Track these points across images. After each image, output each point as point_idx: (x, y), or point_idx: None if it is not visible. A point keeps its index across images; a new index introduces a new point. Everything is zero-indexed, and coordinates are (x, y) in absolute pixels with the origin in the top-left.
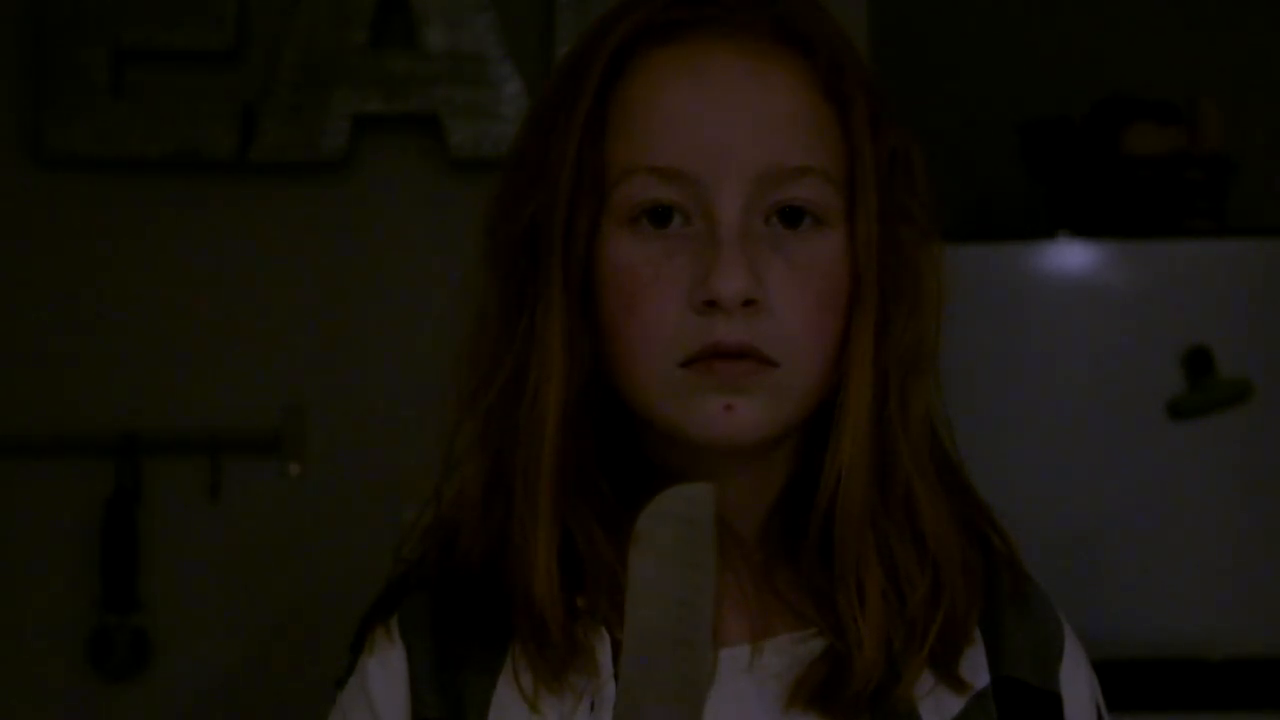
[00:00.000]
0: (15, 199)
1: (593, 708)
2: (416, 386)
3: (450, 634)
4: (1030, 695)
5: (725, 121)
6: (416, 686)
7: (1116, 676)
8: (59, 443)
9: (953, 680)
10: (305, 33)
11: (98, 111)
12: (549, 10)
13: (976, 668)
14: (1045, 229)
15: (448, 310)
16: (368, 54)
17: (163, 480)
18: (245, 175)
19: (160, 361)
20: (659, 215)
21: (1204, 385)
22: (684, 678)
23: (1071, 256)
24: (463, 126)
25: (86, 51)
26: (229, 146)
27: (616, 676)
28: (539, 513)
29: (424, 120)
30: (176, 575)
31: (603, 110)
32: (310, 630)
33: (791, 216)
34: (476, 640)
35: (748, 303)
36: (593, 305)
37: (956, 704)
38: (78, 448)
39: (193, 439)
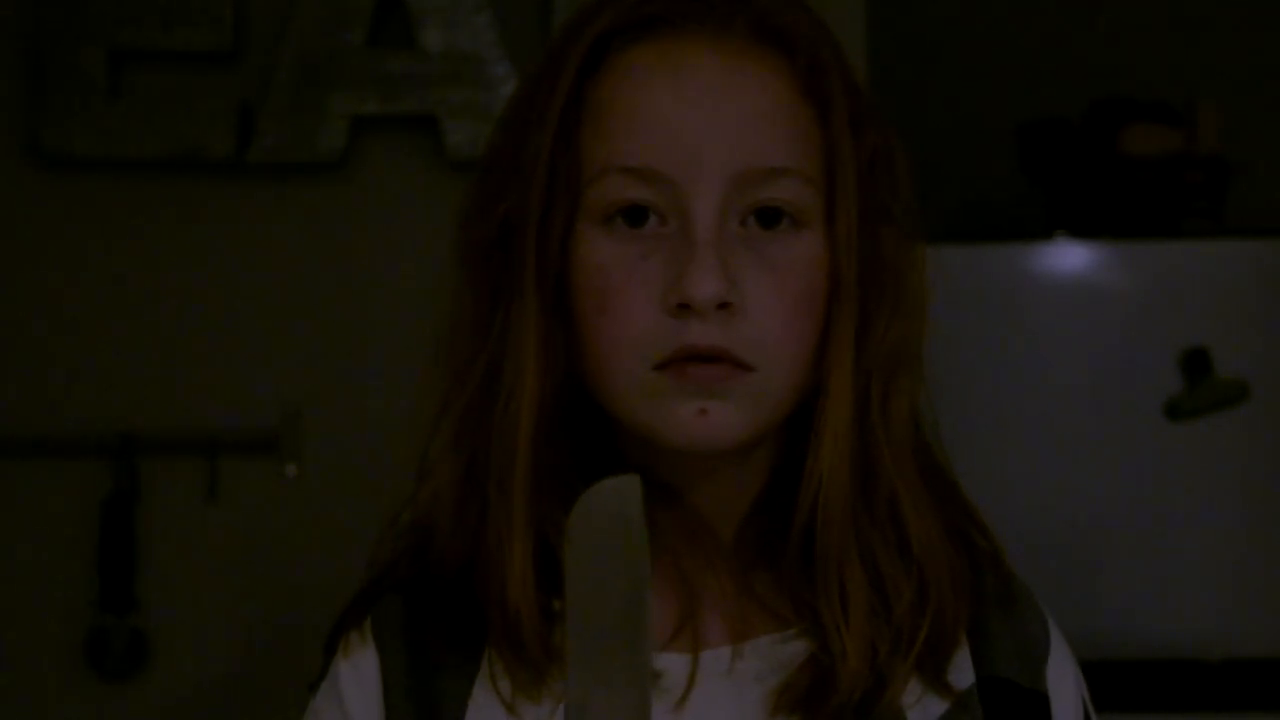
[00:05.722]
0: (13, 199)
1: None
2: (413, 387)
3: (424, 637)
4: (1017, 695)
5: (701, 121)
6: (389, 690)
7: (1115, 677)
8: (56, 443)
9: (940, 686)
10: (303, 33)
11: (95, 112)
12: (546, 11)
13: (961, 668)
14: (1043, 230)
15: (445, 311)
16: (365, 55)
17: (160, 481)
18: (243, 176)
19: (158, 362)
20: (634, 215)
21: (1202, 386)
22: (629, 671)
23: (1069, 257)
24: (460, 127)
25: (84, 52)
26: (226, 147)
27: None
28: (514, 515)
29: (422, 121)
30: (174, 576)
31: (577, 107)
32: (307, 630)
33: (768, 217)
34: (451, 644)
35: (722, 306)
36: (567, 306)
37: (941, 706)
38: (75, 448)
39: (190, 440)
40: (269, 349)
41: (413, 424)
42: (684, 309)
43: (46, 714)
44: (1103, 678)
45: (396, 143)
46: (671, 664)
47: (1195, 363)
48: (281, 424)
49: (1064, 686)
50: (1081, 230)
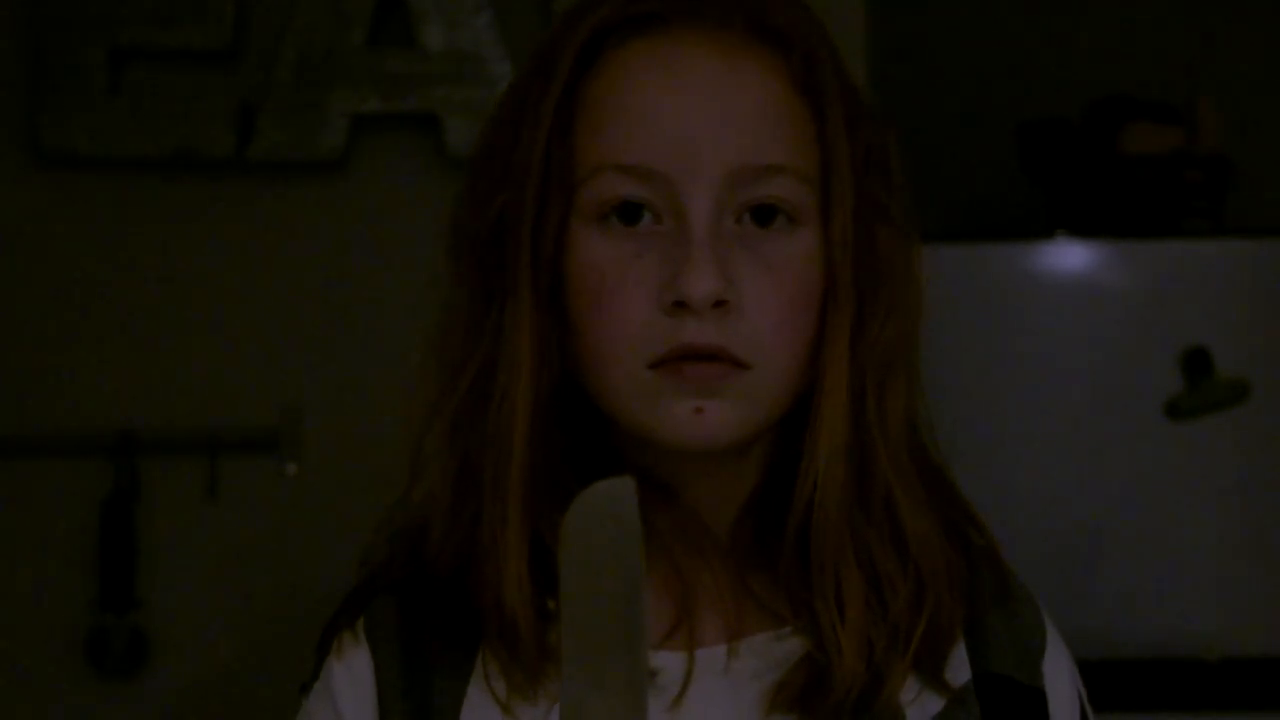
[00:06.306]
0: (13, 198)
1: None
2: (415, 386)
3: (418, 637)
4: (1015, 691)
5: (696, 118)
6: (383, 691)
7: (1114, 676)
8: (56, 442)
9: (938, 683)
10: (303, 32)
11: (95, 110)
12: (546, 9)
13: (958, 665)
14: (1043, 229)
15: (440, 309)
16: (366, 53)
17: (160, 480)
18: (243, 174)
19: (157, 361)
20: (628, 213)
21: (1202, 386)
22: (625, 672)
23: (1069, 257)
24: (461, 125)
25: (84, 50)
26: (227, 146)
27: None
28: (508, 515)
29: (422, 119)
30: (174, 574)
31: (571, 105)
32: (307, 629)
33: (764, 215)
34: (446, 644)
35: (718, 304)
36: (561, 304)
37: (938, 703)
38: (75, 447)
39: (190, 438)
40: (269, 348)
41: (409, 423)
42: (680, 307)
43: (46, 713)
44: (1103, 677)
45: (397, 142)
46: (667, 662)
47: (1195, 363)
48: (281, 423)
49: (1060, 683)
50: (1081, 230)
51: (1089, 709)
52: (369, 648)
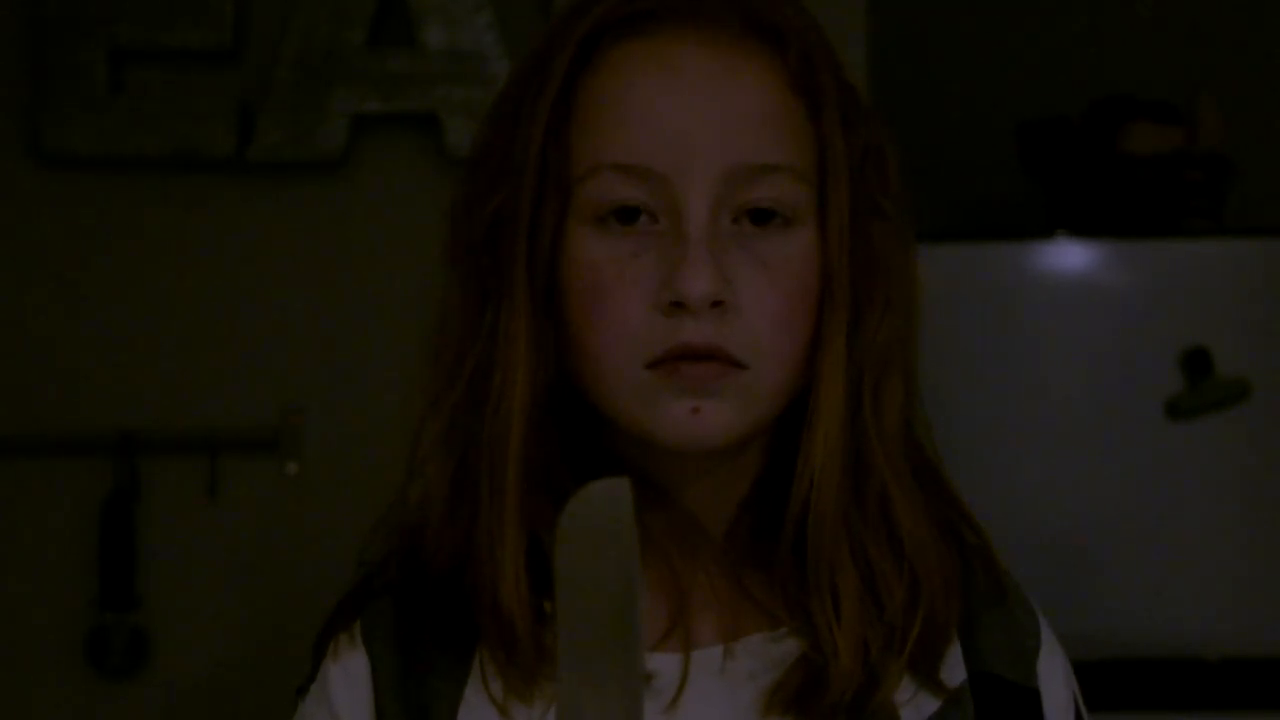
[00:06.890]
0: (13, 198)
1: None
2: (413, 386)
3: (415, 639)
4: (1009, 691)
5: (693, 118)
6: (380, 693)
7: (1114, 677)
8: (57, 442)
9: (933, 684)
10: (303, 32)
11: (96, 110)
12: (546, 8)
13: (952, 665)
14: (1043, 229)
15: (436, 309)
16: (366, 53)
17: (161, 479)
18: (243, 174)
19: (158, 360)
20: (625, 213)
21: (1202, 385)
22: (620, 673)
23: (1069, 256)
24: (461, 125)
25: (85, 51)
26: (227, 146)
27: None
28: (505, 515)
29: (422, 119)
30: (174, 574)
31: (567, 104)
32: (308, 629)
33: (761, 215)
34: (442, 645)
35: (715, 303)
36: (558, 304)
37: (933, 703)
38: (76, 447)
39: (191, 438)
40: (269, 347)
41: (408, 423)
42: (677, 307)
43: (46, 713)
44: (1102, 677)
45: (397, 141)
46: (663, 664)
47: (1196, 362)
48: (282, 422)
49: (1055, 683)
50: (1082, 229)
51: (1084, 709)
52: (365, 650)
